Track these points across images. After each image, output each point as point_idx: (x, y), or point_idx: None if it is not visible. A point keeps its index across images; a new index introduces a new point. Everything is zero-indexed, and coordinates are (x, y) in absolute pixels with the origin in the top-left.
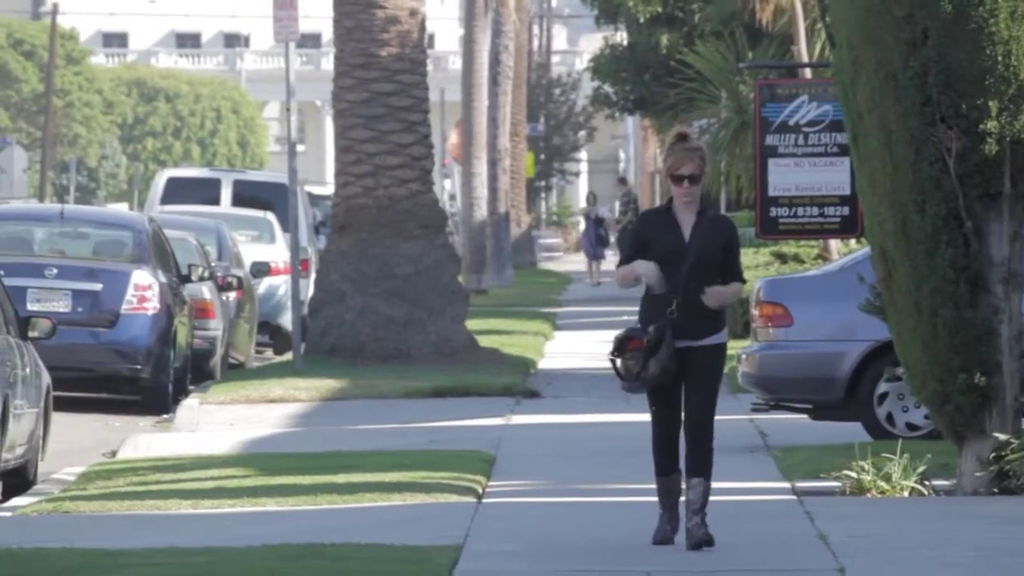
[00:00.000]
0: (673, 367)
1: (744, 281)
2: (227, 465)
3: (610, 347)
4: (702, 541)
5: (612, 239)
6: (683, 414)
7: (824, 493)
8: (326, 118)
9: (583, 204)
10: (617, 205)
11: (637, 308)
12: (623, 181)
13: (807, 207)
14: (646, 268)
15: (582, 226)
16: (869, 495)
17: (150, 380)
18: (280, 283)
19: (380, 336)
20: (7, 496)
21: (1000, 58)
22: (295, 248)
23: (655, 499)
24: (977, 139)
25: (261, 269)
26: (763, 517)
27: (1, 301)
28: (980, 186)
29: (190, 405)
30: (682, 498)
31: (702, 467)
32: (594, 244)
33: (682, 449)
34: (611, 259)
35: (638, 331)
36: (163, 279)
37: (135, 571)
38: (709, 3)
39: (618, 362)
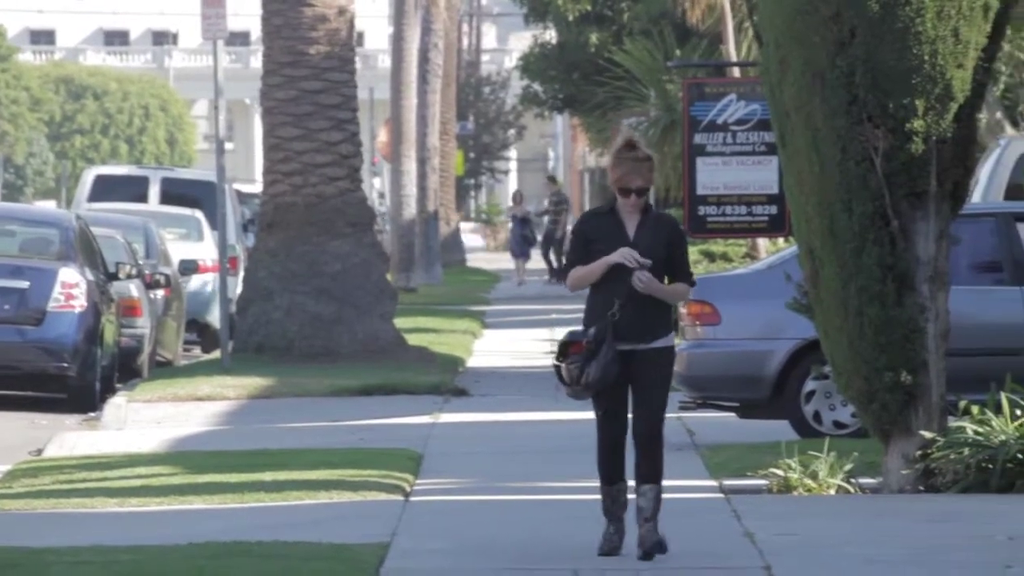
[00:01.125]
0: (614, 371)
1: (693, 283)
2: (154, 463)
3: (552, 351)
4: (655, 548)
5: (539, 238)
6: (631, 419)
7: (751, 491)
8: (255, 116)
9: (511, 203)
10: (545, 203)
11: (565, 307)
12: (552, 180)
13: (735, 206)
14: (622, 252)
15: (510, 225)
16: (796, 493)
17: (77, 378)
18: (208, 281)
19: (308, 334)
20: None
21: (927, 57)
22: (223, 246)
23: (583, 497)
24: (904, 138)
25: (189, 267)
26: (690, 515)
27: None
28: (906, 185)
29: (117, 403)
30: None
31: (653, 474)
32: (520, 243)
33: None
34: (537, 258)
35: (580, 334)
36: (90, 277)
37: (61, 569)
38: (638, 2)
39: (562, 368)
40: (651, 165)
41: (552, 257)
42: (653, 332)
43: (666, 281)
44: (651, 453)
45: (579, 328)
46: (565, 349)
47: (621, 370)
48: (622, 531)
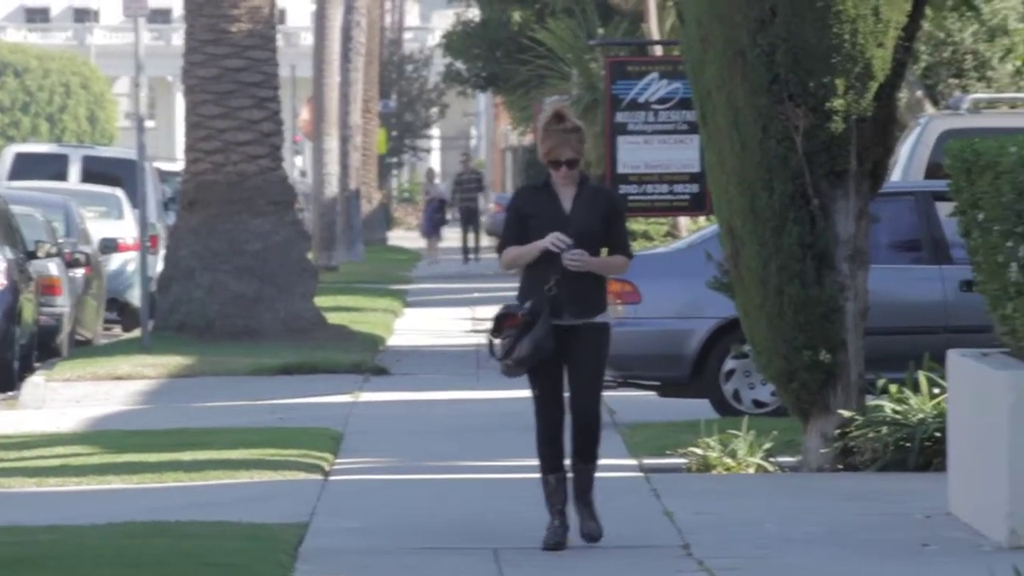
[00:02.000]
0: (548, 345)
1: (630, 255)
2: (73, 443)
3: (475, 330)
4: (593, 537)
5: (449, 217)
6: (567, 399)
7: (670, 470)
8: (176, 94)
9: (424, 180)
10: (450, 183)
11: (488, 285)
12: (466, 158)
13: (656, 184)
14: (551, 238)
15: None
16: (715, 472)
17: None
18: (129, 259)
19: (229, 313)
20: None
21: (847, 36)
22: (144, 224)
23: (503, 476)
24: (824, 117)
25: (109, 245)
26: (610, 494)
27: None
28: (827, 164)
29: (36, 382)
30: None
31: (588, 453)
32: (432, 222)
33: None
34: (451, 237)
35: (515, 307)
36: (9, 255)
37: None
38: None
39: (495, 343)
40: (581, 136)
41: (470, 237)
42: (589, 308)
43: (604, 254)
44: (587, 432)
45: (514, 302)
46: (500, 323)
47: (556, 347)
48: (566, 524)
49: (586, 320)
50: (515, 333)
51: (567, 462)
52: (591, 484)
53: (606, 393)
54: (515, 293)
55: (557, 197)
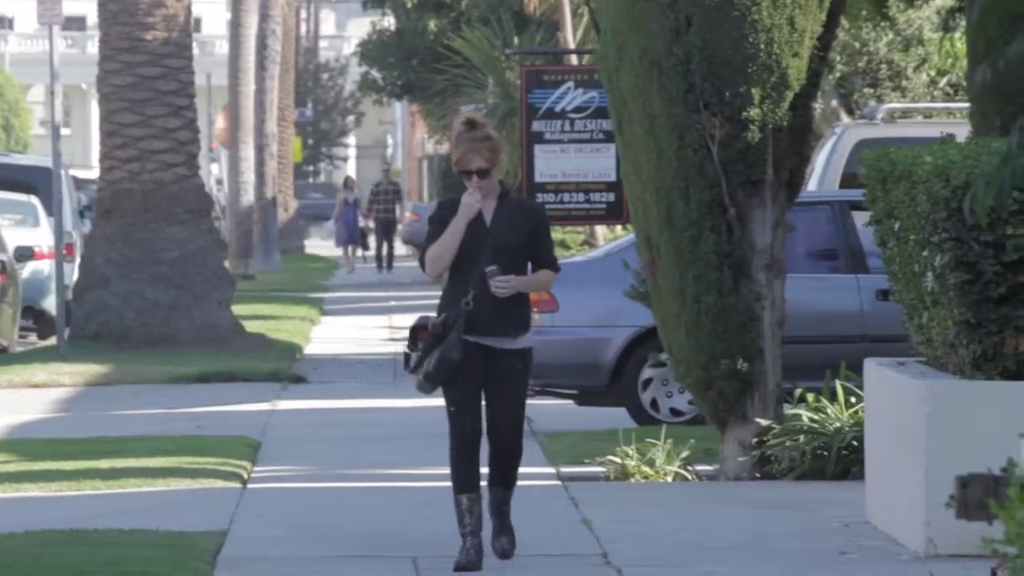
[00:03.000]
0: (456, 358)
1: (557, 269)
2: None
3: (392, 338)
4: (506, 554)
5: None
6: (486, 424)
7: (588, 478)
8: (92, 102)
9: (342, 189)
10: (367, 194)
11: (404, 293)
12: (387, 169)
13: (573, 193)
14: (467, 203)
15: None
16: (633, 480)
17: None
18: (44, 267)
19: (145, 321)
20: None
21: (763, 46)
22: (59, 232)
23: (422, 484)
24: (740, 126)
25: (25, 253)
26: (528, 502)
27: None
28: (743, 173)
29: None
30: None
31: (507, 479)
32: (350, 231)
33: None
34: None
35: (428, 319)
36: None
37: None
38: None
39: (411, 355)
40: (493, 144)
41: (384, 247)
42: (509, 327)
43: (530, 269)
44: (505, 458)
45: (430, 314)
46: (414, 335)
47: (476, 366)
48: (480, 546)
49: (506, 344)
50: (425, 346)
51: (484, 483)
52: (508, 501)
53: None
54: (432, 301)
55: (479, 211)
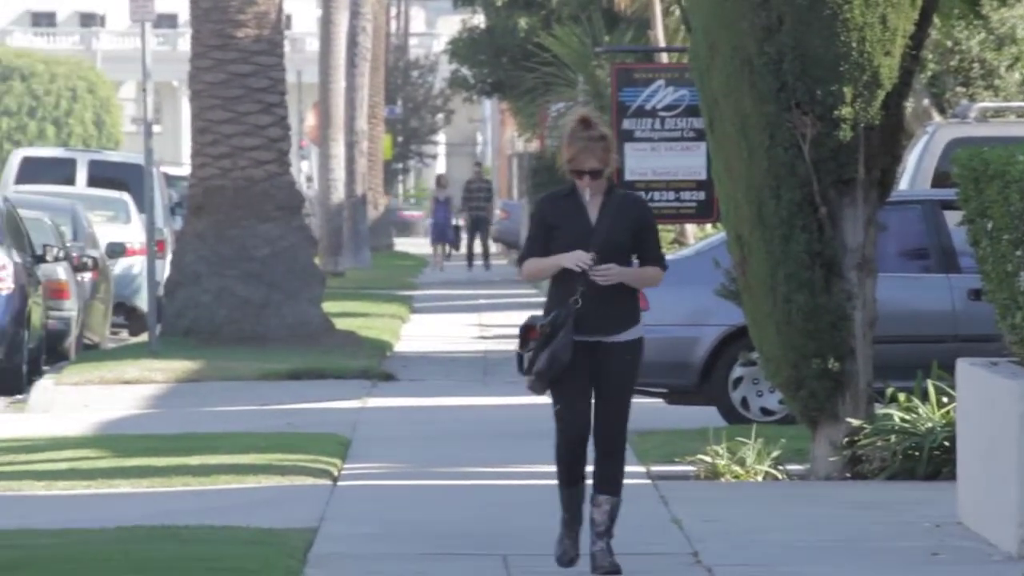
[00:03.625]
0: (566, 359)
1: (664, 266)
2: (81, 446)
3: (482, 336)
4: (608, 572)
5: (457, 223)
6: (593, 421)
7: (678, 477)
8: (183, 99)
9: (434, 186)
10: (460, 193)
11: (494, 291)
12: (478, 167)
13: (664, 191)
14: (573, 258)
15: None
16: (723, 479)
17: (3, 361)
18: (136, 264)
19: (236, 318)
20: None
21: (855, 44)
22: (151, 229)
23: (511, 482)
24: (832, 125)
25: (116, 250)
26: None
27: None
28: (834, 172)
29: (44, 386)
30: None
31: (611, 484)
32: (442, 229)
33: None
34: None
35: (537, 319)
36: (17, 259)
37: None
38: None
39: (523, 355)
40: (607, 144)
41: (477, 245)
42: (619, 323)
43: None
44: (611, 460)
45: (539, 314)
46: (524, 335)
47: (584, 363)
48: (577, 543)
49: (615, 337)
50: (536, 347)
51: (589, 482)
52: (614, 521)
53: None
54: (521, 299)
55: (583, 207)
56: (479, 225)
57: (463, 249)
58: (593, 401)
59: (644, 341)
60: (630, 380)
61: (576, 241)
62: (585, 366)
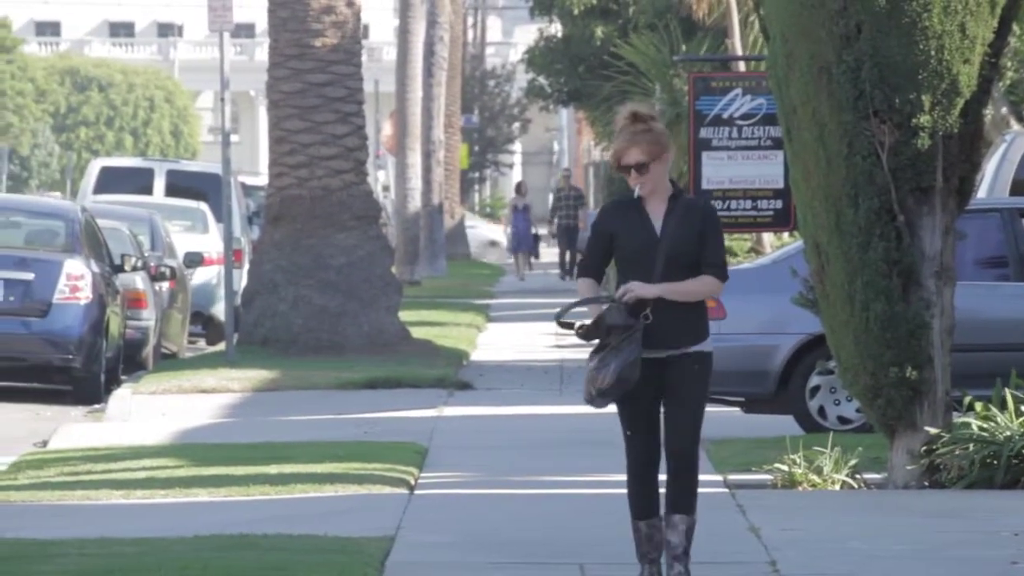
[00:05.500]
0: (634, 378)
1: (724, 276)
2: (159, 455)
3: (558, 344)
4: None
5: (541, 231)
6: (663, 439)
7: (756, 486)
8: (260, 108)
9: (514, 194)
10: (550, 199)
11: (568, 300)
12: (567, 174)
13: (740, 200)
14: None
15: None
16: (800, 488)
17: (82, 370)
18: (213, 273)
19: (313, 327)
20: None
21: (933, 52)
22: (228, 238)
23: (589, 491)
24: (910, 133)
25: (194, 259)
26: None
27: None
28: (912, 180)
29: (122, 395)
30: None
31: (684, 502)
32: (523, 236)
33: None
34: (544, 253)
35: (606, 323)
36: (96, 269)
37: (66, 561)
38: None
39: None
40: (653, 137)
41: (568, 254)
42: (686, 336)
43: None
44: (683, 477)
45: (609, 307)
46: (595, 329)
47: (651, 384)
48: (660, 572)
49: (684, 350)
50: (600, 357)
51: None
52: (690, 541)
53: None
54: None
55: (647, 215)
56: (569, 234)
57: (543, 258)
58: (663, 418)
59: (713, 356)
60: (701, 394)
61: (641, 250)
62: (653, 388)
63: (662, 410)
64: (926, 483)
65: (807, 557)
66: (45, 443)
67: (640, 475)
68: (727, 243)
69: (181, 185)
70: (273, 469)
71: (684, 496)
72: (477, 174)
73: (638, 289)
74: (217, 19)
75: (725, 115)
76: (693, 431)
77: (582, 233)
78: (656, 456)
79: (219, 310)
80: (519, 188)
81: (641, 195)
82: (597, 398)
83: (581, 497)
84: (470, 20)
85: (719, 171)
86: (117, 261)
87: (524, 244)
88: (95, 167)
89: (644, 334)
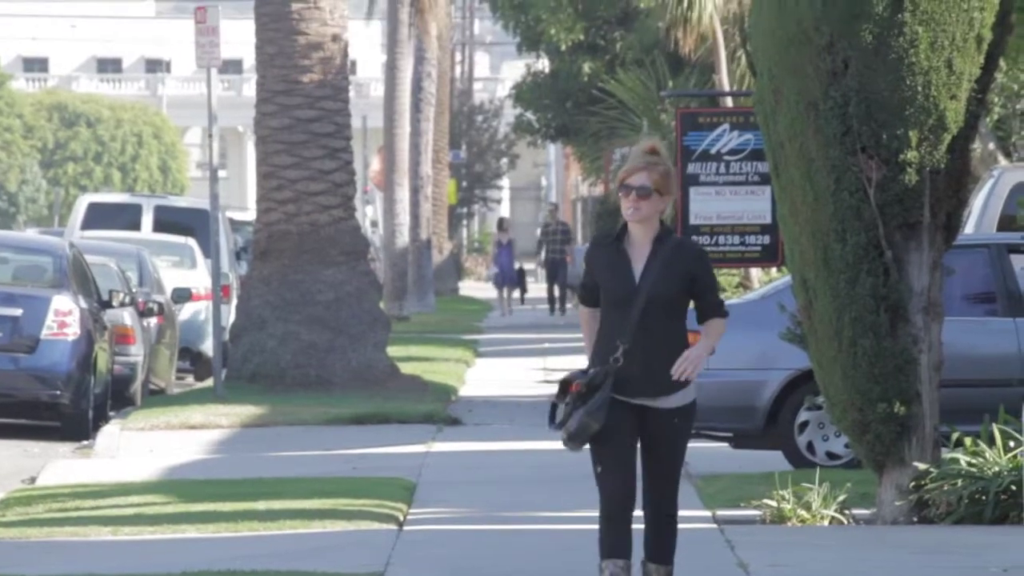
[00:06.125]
0: (596, 425)
1: (725, 314)
2: (147, 492)
3: (547, 380)
4: None
5: (528, 266)
6: (641, 487)
7: (744, 522)
8: (248, 144)
9: (496, 230)
10: (538, 233)
11: (559, 335)
12: (554, 208)
13: (728, 235)
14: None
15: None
16: (789, 524)
17: (70, 406)
18: (201, 309)
19: (301, 363)
20: None
21: (920, 88)
22: (216, 274)
23: (578, 527)
24: (897, 169)
25: (182, 295)
26: (684, 545)
27: None
28: (900, 216)
29: (110, 431)
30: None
31: (662, 552)
32: (506, 272)
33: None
34: (532, 288)
35: (579, 374)
36: (84, 304)
37: None
38: (630, 32)
39: (558, 406)
40: (666, 170)
41: (556, 289)
42: (666, 385)
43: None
44: (660, 530)
45: (580, 370)
46: (563, 389)
47: (629, 427)
48: None
49: (664, 402)
50: (571, 402)
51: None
52: None
53: None
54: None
55: (627, 258)
56: (556, 268)
57: (531, 293)
58: (642, 468)
59: (696, 405)
60: (681, 449)
61: (619, 296)
62: (629, 430)
63: (639, 455)
64: (915, 519)
65: None
66: (33, 479)
67: (613, 517)
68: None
69: (169, 221)
70: (261, 505)
71: (662, 547)
72: (465, 209)
73: (689, 365)
74: (205, 55)
75: (713, 150)
76: (675, 483)
77: (570, 268)
78: (631, 498)
79: (207, 346)
80: (501, 224)
81: (630, 223)
82: (568, 442)
83: (570, 533)
84: (458, 56)
85: (707, 206)
86: (105, 297)
87: (508, 280)
88: (83, 203)
89: (620, 381)
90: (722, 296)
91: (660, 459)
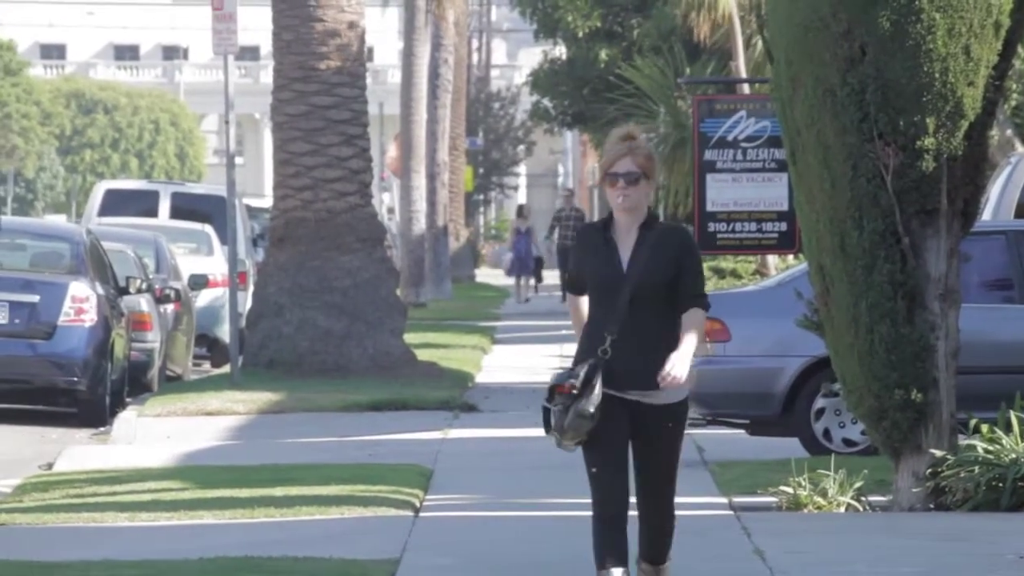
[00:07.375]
0: (590, 416)
1: (706, 305)
2: (164, 478)
3: (562, 367)
4: None
5: (536, 253)
6: (634, 487)
7: (761, 508)
8: (264, 131)
9: (515, 217)
10: (551, 219)
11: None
12: (569, 194)
13: (745, 222)
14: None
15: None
16: (805, 511)
17: (87, 392)
18: (218, 295)
19: (318, 349)
20: None
21: (938, 75)
22: (233, 261)
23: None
24: (914, 156)
25: (199, 281)
26: (700, 532)
27: None
28: (917, 202)
29: (127, 417)
30: None
31: (655, 552)
32: (523, 260)
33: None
34: (546, 275)
35: (565, 376)
36: (101, 291)
37: None
38: (648, 19)
39: (551, 409)
40: (649, 152)
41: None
42: (655, 379)
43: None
44: (656, 529)
45: (567, 369)
46: (552, 393)
47: (621, 423)
48: None
49: (654, 398)
50: (562, 403)
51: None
52: None
53: (695, 431)
54: None
55: (614, 246)
56: (568, 254)
57: (546, 280)
58: (635, 469)
59: (688, 403)
60: (674, 449)
61: (605, 283)
62: (620, 425)
63: (631, 453)
64: (931, 506)
65: None
66: (50, 465)
67: (608, 520)
68: (732, 265)
69: (186, 207)
70: (278, 491)
71: (657, 549)
72: (482, 196)
73: (676, 371)
74: (222, 42)
75: (729, 137)
76: (667, 482)
77: None
78: (624, 502)
79: (224, 332)
80: (520, 211)
81: (618, 212)
82: (561, 443)
83: (587, 519)
84: (475, 43)
85: (724, 193)
86: (122, 283)
87: (525, 268)
88: (100, 190)
89: (609, 375)
90: (739, 283)
91: (654, 465)
